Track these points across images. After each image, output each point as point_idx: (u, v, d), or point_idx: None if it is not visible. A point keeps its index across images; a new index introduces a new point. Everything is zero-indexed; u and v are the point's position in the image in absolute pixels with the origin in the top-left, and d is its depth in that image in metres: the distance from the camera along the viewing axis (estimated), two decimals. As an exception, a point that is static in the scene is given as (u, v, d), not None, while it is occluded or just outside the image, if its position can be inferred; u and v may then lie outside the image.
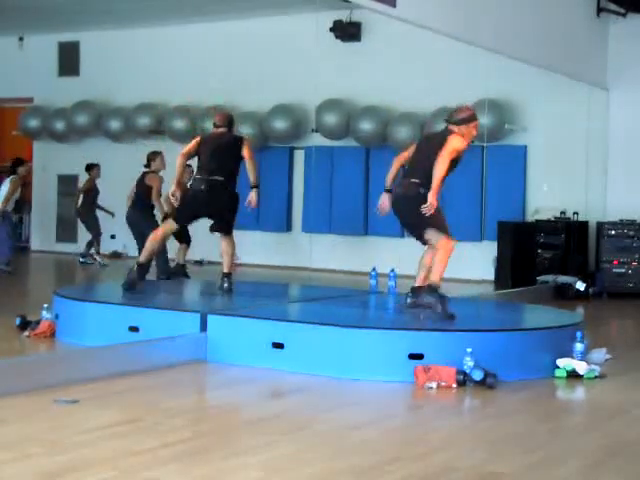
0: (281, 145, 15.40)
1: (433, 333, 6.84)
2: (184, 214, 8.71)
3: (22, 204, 14.89)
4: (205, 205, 8.55)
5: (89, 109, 16.75)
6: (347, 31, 14.67)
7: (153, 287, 9.39)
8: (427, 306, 7.22)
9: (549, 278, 12.53)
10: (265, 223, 15.30)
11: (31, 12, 15.43)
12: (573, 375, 6.79)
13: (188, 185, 9.19)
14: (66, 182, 17.27)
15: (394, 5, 8.43)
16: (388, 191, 7.69)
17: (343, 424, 5.40)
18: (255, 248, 15.04)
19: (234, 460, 4.56)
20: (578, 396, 6.67)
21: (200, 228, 9.31)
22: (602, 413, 5.96)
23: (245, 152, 8.58)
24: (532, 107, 13.77)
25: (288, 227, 15.45)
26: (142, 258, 8.49)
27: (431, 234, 7.31)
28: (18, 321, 8.14)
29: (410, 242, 7.76)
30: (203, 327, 7.16)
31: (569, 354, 6.93)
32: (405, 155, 7.74)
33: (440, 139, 7.37)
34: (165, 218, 10.14)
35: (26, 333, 7.93)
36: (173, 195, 8.58)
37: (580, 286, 12.24)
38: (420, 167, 7.36)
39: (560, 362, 6.84)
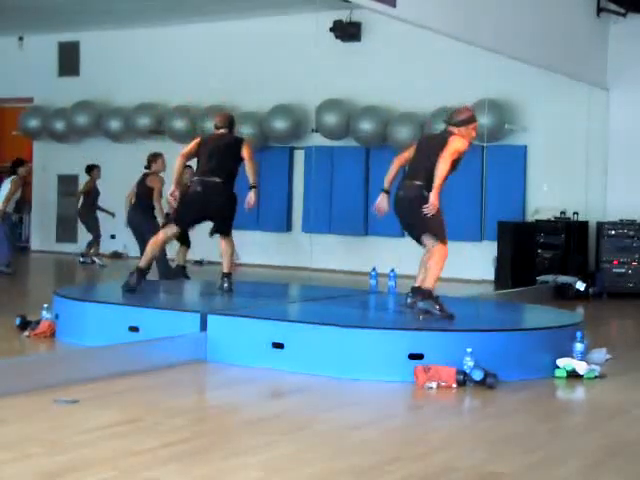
0: (281, 145, 15.40)
1: (433, 333, 6.84)
2: (184, 217, 8.70)
3: (22, 204, 14.89)
4: (203, 207, 8.54)
5: (89, 109, 16.75)
6: (347, 31, 14.67)
7: (153, 287, 9.39)
8: (425, 312, 7.21)
9: (549, 278, 12.53)
10: (265, 223, 15.30)
11: (31, 12, 15.43)
12: (573, 375, 6.79)
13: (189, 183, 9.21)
14: (66, 182, 17.27)
15: (394, 5, 8.43)
16: (386, 192, 7.68)
17: (343, 424, 5.40)
18: (255, 248, 15.03)
19: (234, 460, 4.56)
20: (578, 396, 6.67)
21: (200, 228, 9.30)
22: (602, 413, 5.96)
23: (245, 153, 8.58)
24: (532, 107, 13.77)
25: (288, 227, 15.45)
26: (142, 263, 8.48)
27: (427, 238, 7.31)
28: (18, 321, 8.14)
29: (410, 242, 7.76)
30: (203, 327, 7.16)
31: (569, 354, 6.93)
32: (405, 156, 7.74)
33: (440, 140, 7.37)
34: (166, 221, 10.17)
35: (26, 333, 7.92)
36: (172, 195, 8.59)
37: (580, 286, 12.24)
38: (421, 168, 7.36)
39: (560, 362, 6.84)
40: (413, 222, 7.45)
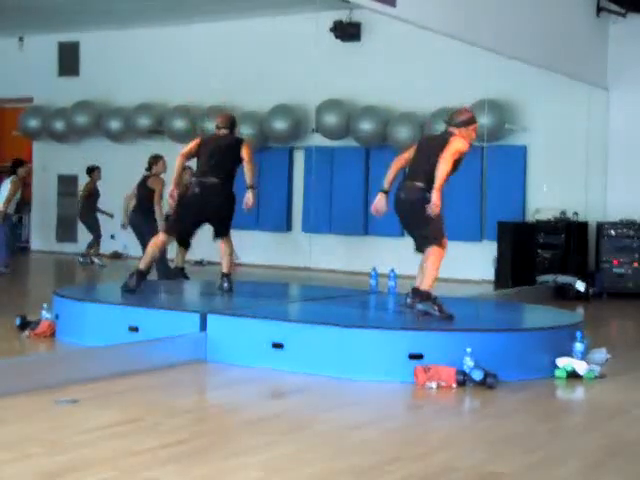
0: (281, 145, 15.40)
1: (433, 333, 6.84)
2: (182, 222, 8.68)
3: (22, 204, 14.89)
4: (201, 209, 8.54)
5: (89, 109, 16.76)
6: (347, 31, 14.67)
7: (153, 287, 9.39)
8: (424, 314, 7.21)
9: (549, 278, 12.53)
10: (265, 223, 15.30)
11: (31, 12, 15.43)
12: (573, 375, 6.79)
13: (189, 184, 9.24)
14: (66, 182, 17.28)
15: (394, 5, 8.43)
16: (385, 192, 7.67)
17: (343, 424, 5.40)
18: (255, 248, 15.04)
19: (234, 460, 4.56)
20: (578, 396, 6.67)
21: (200, 228, 9.30)
22: (602, 413, 5.96)
23: (244, 154, 8.58)
24: (532, 107, 13.77)
25: (288, 227, 15.46)
26: (142, 264, 8.47)
27: (428, 243, 7.31)
28: (18, 321, 8.14)
29: (410, 242, 7.76)
30: (203, 327, 7.16)
31: (569, 354, 6.93)
32: (405, 157, 7.73)
33: (441, 141, 7.37)
34: (166, 223, 10.19)
35: (26, 333, 7.92)
36: (171, 195, 8.60)
37: (580, 286, 12.24)
38: (422, 169, 7.36)
39: (560, 362, 6.84)
40: (415, 223, 7.45)
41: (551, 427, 5.53)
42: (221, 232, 8.74)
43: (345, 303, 8.64)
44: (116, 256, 16.06)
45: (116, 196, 13.66)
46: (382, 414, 5.77)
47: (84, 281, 13.89)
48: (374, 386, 6.44)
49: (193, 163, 9.50)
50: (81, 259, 15.13)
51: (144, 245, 11.00)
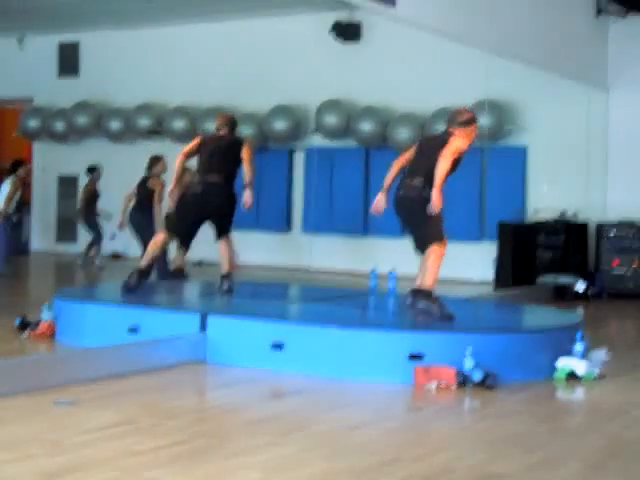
0: (281, 146, 15.40)
1: (433, 333, 6.83)
2: (183, 221, 8.69)
3: (22, 205, 14.89)
4: (202, 208, 8.55)
5: (89, 109, 16.77)
6: (347, 31, 14.67)
7: (153, 287, 9.39)
8: (424, 312, 7.22)
9: (549, 278, 12.53)
10: (265, 223, 15.30)
11: (31, 12, 15.44)
12: (573, 376, 6.78)
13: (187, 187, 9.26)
14: (66, 183, 17.29)
15: (394, 5, 8.44)
16: (385, 191, 7.69)
17: (343, 424, 5.40)
18: (255, 248, 15.03)
19: (234, 460, 4.56)
20: (578, 397, 6.67)
21: (201, 228, 9.30)
22: (602, 414, 5.97)
23: (245, 154, 8.60)
24: (532, 107, 13.77)
25: (288, 227, 15.46)
26: (143, 263, 8.47)
27: (428, 242, 7.31)
28: (18, 321, 8.13)
29: (410, 243, 7.76)
30: (203, 327, 7.16)
31: (569, 355, 6.92)
32: (406, 157, 7.74)
33: (441, 141, 7.38)
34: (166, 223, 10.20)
35: (26, 334, 7.92)
36: (170, 194, 8.62)
37: (580, 287, 12.24)
38: (421, 168, 7.36)
39: (560, 363, 6.84)
40: (414, 221, 7.45)
41: (551, 428, 5.53)
42: (222, 231, 8.74)
43: (345, 303, 8.65)
44: (116, 256, 16.06)
45: (116, 196, 13.65)
46: (382, 415, 5.77)
47: (84, 281, 13.89)
48: (374, 387, 6.44)
49: (192, 164, 9.51)
50: (79, 261, 15.11)
51: (144, 245, 11.02)
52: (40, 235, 17.83)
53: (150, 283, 9.19)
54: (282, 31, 15.25)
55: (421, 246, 7.42)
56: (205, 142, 8.78)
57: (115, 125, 16.47)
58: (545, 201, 13.60)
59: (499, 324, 7.81)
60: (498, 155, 13.60)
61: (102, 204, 15.13)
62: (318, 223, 14.83)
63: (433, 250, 7.24)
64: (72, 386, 5.94)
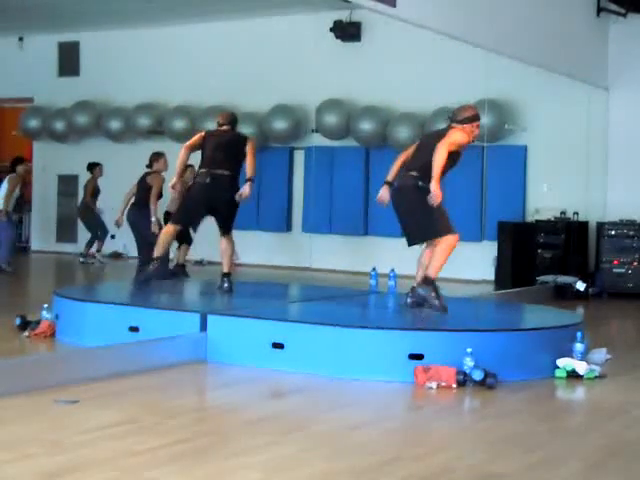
0: (281, 145, 15.39)
1: (433, 333, 6.84)
2: (188, 211, 8.74)
3: (22, 204, 14.90)
4: (209, 199, 8.57)
5: (89, 109, 16.76)
6: (347, 31, 14.67)
7: (153, 287, 9.39)
8: (422, 299, 7.23)
9: (549, 278, 12.53)
10: (265, 223, 15.30)
11: (31, 12, 15.43)
12: (573, 375, 6.78)
13: (190, 182, 9.32)
14: (66, 182, 17.28)
15: (394, 5, 8.43)
16: (388, 184, 7.71)
17: (343, 424, 5.40)
18: (255, 248, 15.03)
19: (234, 460, 4.56)
20: (578, 396, 6.67)
21: (201, 227, 9.31)
22: (602, 413, 5.96)
23: (248, 149, 8.63)
24: (532, 107, 13.77)
25: (288, 227, 15.45)
26: (157, 252, 8.59)
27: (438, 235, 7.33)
28: (18, 321, 8.14)
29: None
30: (203, 327, 7.16)
31: (569, 354, 6.92)
32: (408, 152, 7.77)
33: (439, 136, 7.40)
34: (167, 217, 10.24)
35: (26, 333, 7.92)
36: (173, 187, 8.65)
37: (580, 286, 12.24)
38: (418, 161, 7.40)
39: (560, 362, 6.84)
40: (407, 212, 7.46)
41: (551, 427, 5.53)
42: (224, 228, 8.75)
43: (345, 303, 8.65)
44: (116, 256, 16.06)
45: (116, 196, 13.65)
46: (382, 414, 5.77)
47: (84, 281, 13.89)
48: (374, 386, 6.44)
49: (193, 162, 9.51)
50: (81, 259, 15.13)
51: (140, 242, 11.04)
52: (40, 234, 17.83)
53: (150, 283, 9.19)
54: (282, 31, 15.25)
55: (413, 240, 7.43)
56: (209, 136, 8.81)
57: (115, 125, 16.47)
58: (545, 201, 13.60)
59: (499, 323, 7.81)
60: (498, 155, 13.60)
61: (102, 204, 15.14)
62: (318, 223, 14.83)
63: (446, 239, 7.24)
64: (72, 385, 5.94)
